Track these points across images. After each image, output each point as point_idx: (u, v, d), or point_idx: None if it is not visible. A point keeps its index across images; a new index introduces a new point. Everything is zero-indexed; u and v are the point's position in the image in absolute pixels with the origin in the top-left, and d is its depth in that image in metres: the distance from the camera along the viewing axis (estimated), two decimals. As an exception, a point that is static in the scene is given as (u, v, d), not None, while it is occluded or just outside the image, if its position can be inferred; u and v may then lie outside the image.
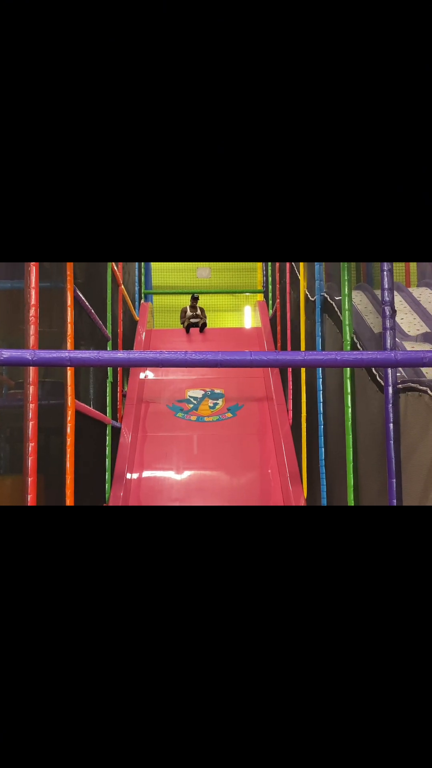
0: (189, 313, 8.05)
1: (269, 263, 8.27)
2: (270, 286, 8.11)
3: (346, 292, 3.58)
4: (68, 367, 3.45)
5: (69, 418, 3.43)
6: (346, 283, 3.57)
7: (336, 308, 3.97)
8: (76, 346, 3.86)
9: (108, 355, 1.93)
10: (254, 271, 9.94)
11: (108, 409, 5.21)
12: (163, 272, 10.26)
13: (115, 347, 5.58)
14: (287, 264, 6.27)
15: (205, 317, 8.09)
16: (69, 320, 3.48)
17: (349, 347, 3.52)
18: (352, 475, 3.39)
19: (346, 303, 3.58)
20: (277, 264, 7.26)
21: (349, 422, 3.45)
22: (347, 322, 3.55)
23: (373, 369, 3.08)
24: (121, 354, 1.94)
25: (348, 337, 3.52)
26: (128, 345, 6.92)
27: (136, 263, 8.06)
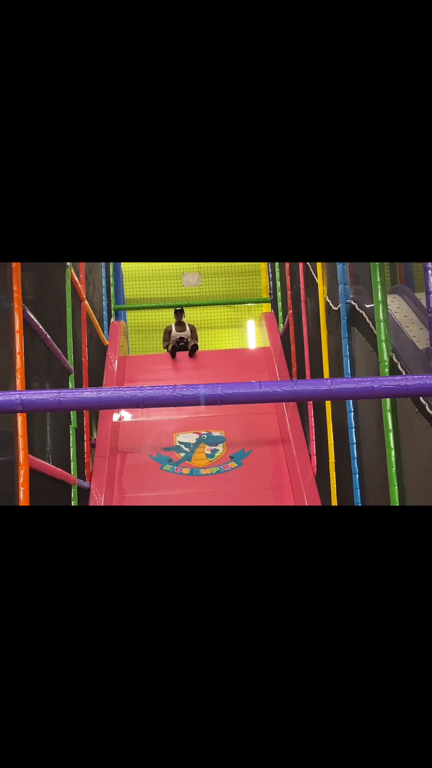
0: (174, 332, 8.11)
1: (276, 264, 8.37)
2: (279, 294, 8.20)
3: (380, 297, 3.62)
4: (19, 413, 3.45)
5: (21, 480, 3.41)
6: (379, 285, 3.62)
7: (367, 319, 4.00)
8: (28, 384, 3.86)
9: (73, 395, 1.93)
10: (257, 275, 10.05)
11: (72, 465, 5.19)
12: (138, 282, 10.37)
13: (79, 382, 5.60)
14: (300, 264, 6.35)
15: (196, 337, 8.15)
16: (18, 350, 3.50)
17: (387, 370, 3.54)
18: (400, 540, 3.37)
19: (381, 312, 3.61)
20: (287, 264, 7.35)
21: (393, 469, 3.45)
22: (383, 337, 3.57)
23: (421, 398, 3.09)
24: (89, 392, 1.94)
25: (385, 357, 3.55)
26: (96, 378, 6.94)
27: (103, 272, 8.15)
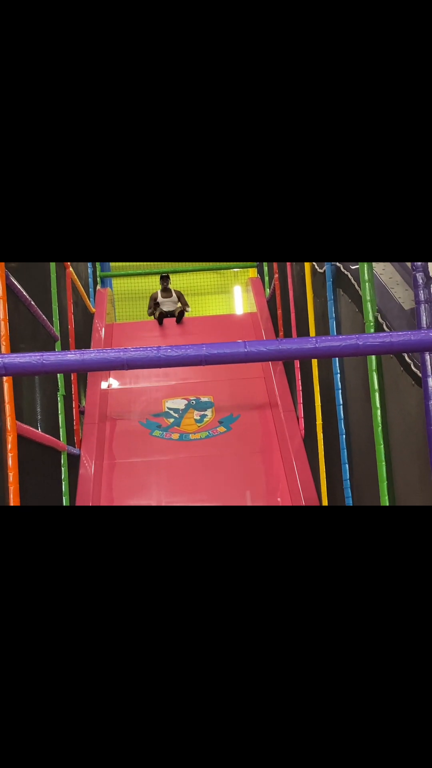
0: (160, 298, 8.05)
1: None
2: (265, 258, 8.13)
3: (365, 258, 3.60)
4: (4, 378, 3.42)
5: (10, 447, 3.40)
6: (364, 246, 3.58)
7: (353, 280, 3.98)
8: (14, 351, 3.83)
9: (56, 358, 1.90)
10: (243, 240, 9.94)
11: (62, 432, 5.18)
12: (123, 248, 10.24)
13: (65, 349, 5.56)
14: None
15: (185, 302, 8.10)
16: (2, 317, 3.46)
17: (373, 329, 3.52)
18: (386, 498, 3.39)
19: (366, 272, 3.59)
20: (273, 228, 7.27)
21: (379, 428, 3.46)
22: (368, 297, 3.56)
23: (406, 356, 3.08)
24: (72, 355, 1.92)
25: (371, 317, 3.53)
26: (83, 345, 6.90)
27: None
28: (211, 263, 10.15)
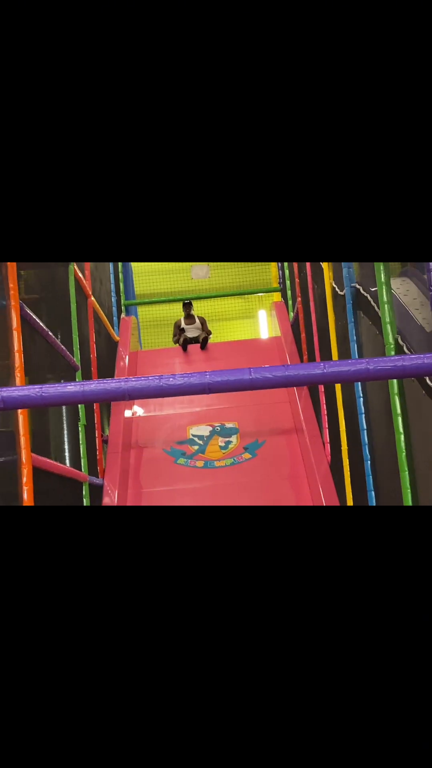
0: (184, 325, 8.02)
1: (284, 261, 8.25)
2: (288, 282, 8.08)
3: (383, 279, 3.51)
4: (20, 412, 3.39)
5: (24, 479, 3.36)
6: (382, 266, 3.50)
7: (372, 302, 3.89)
8: (33, 381, 3.80)
9: (55, 390, 1.85)
10: (266, 265, 9.92)
11: (83, 462, 5.14)
12: (147, 276, 10.29)
13: (87, 379, 5.54)
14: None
15: (207, 329, 8.05)
16: (16, 348, 3.44)
17: (393, 352, 3.43)
18: (413, 526, 3.27)
19: (384, 294, 3.50)
20: (295, 252, 7.23)
21: (403, 454, 3.34)
22: (387, 319, 3.47)
23: (428, 380, 2.98)
24: (72, 387, 1.86)
25: (390, 339, 3.44)
26: (107, 374, 6.88)
27: (111, 268, 8.09)
28: (235, 289, 10.14)
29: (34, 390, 1.82)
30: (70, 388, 1.85)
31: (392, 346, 3.43)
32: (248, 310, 10.76)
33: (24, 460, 3.38)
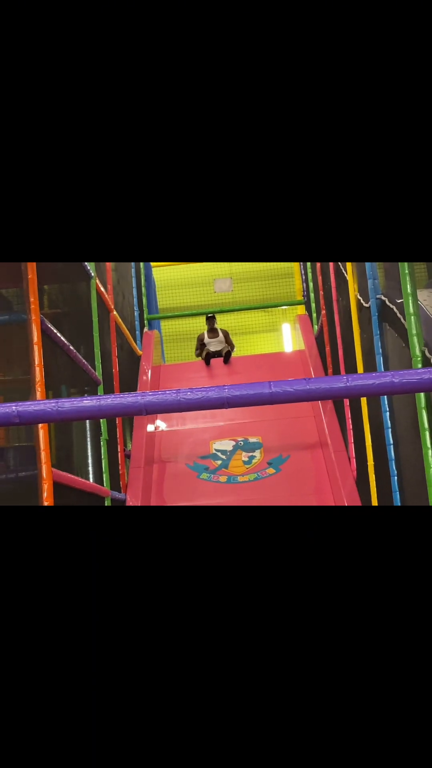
0: (207, 339, 7.99)
1: (308, 265, 8.20)
2: (312, 295, 8.01)
3: (409, 290, 3.44)
4: (39, 426, 3.37)
5: (45, 494, 3.33)
6: (408, 278, 3.44)
7: (398, 314, 3.82)
8: (55, 396, 3.78)
9: (71, 405, 1.82)
10: (290, 278, 9.88)
11: (105, 477, 5.11)
12: (170, 290, 10.30)
13: (108, 392, 5.52)
14: (330, 263, 6.18)
15: (231, 342, 8.01)
16: (37, 362, 3.42)
17: (420, 365, 3.35)
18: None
19: (411, 305, 3.43)
20: (318, 264, 7.17)
21: (430, 470, 3.25)
22: (414, 331, 3.39)
23: (455, 392, 2.90)
24: (89, 401, 1.83)
25: (417, 352, 3.36)
26: (129, 388, 6.86)
27: (134, 282, 8.09)
28: (258, 302, 10.10)
29: (50, 404, 1.78)
30: (86, 402, 1.81)
31: (419, 358, 3.35)
32: (272, 323, 10.71)
33: (45, 475, 3.35)
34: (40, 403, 1.80)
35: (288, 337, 10.60)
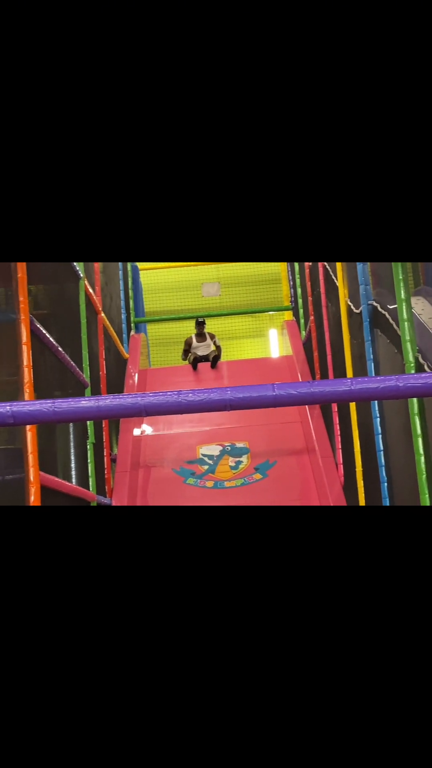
0: (195, 343, 7.94)
1: (296, 271, 8.20)
2: (300, 300, 8.01)
3: (403, 296, 3.43)
4: (28, 428, 3.31)
5: (32, 498, 3.27)
6: (402, 283, 3.42)
7: (391, 320, 3.80)
8: (42, 398, 3.72)
9: (68, 405, 1.77)
10: (278, 283, 9.88)
11: (91, 481, 5.04)
12: (158, 294, 10.25)
13: (96, 395, 5.45)
14: (320, 267, 6.17)
15: (219, 347, 7.98)
16: (26, 363, 3.36)
17: (414, 370, 3.33)
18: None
19: (404, 311, 3.41)
20: (307, 270, 7.17)
21: (423, 476, 3.23)
22: (408, 337, 3.37)
23: (450, 399, 2.88)
24: (87, 402, 1.78)
25: (411, 358, 3.34)
26: (116, 392, 6.80)
27: (121, 285, 8.04)
28: (246, 307, 10.08)
29: (46, 405, 1.74)
30: (84, 403, 1.77)
31: (412, 364, 3.33)
32: (259, 328, 10.69)
33: (32, 478, 3.29)
34: (35, 403, 1.75)
35: (275, 342, 10.59)
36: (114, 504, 5.78)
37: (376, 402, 4.17)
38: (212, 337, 8.03)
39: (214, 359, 7.74)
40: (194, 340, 7.96)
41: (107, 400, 1.76)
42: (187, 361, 7.91)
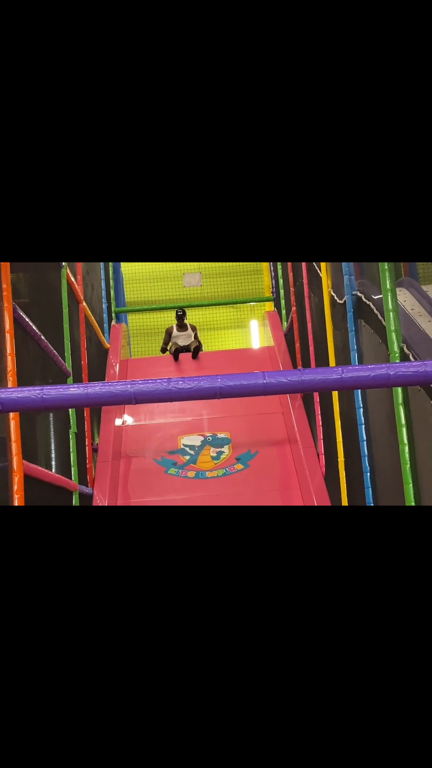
0: (176, 332, 7.92)
1: (278, 262, 8.20)
2: (282, 291, 8.01)
3: (389, 286, 3.44)
4: (10, 415, 3.27)
5: (16, 487, 3.23)
6: (387, 273, 3.43)
7: (375, 310, 3.81)
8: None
9: (57, 392, 1.75)
10: (259, 274, 9.87)
11: (73, 471, 5.01)
12: (139, 284, 10.20)
13: (78, 385, 5.42)
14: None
15: (199, 339, 7.96)
16: (8, 351, 3.32)
17: (398, 360, 3.34)
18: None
19: (390, 301, 3.42)
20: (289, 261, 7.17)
21: (407, 466, 3.25)
22: (393, 327, 3.39)
23: (435, 389, 2.90)
24: (75, 389, 1.76)
25: (396, 348, 3.36)
26: (97, 381, 6.75)
27: (102, 274, 7.98)
28: (227, 298, 10.06)
29: (35, 392, 1.71)
30: (73, 390, 1.75)
31: (397, 354, 3.34)
32: (240, 319, 10.69)
33: (15, 467, 3.26)
34: (23, 390, 1.73)
35: (256, 333, 10.59)
36: (96, 493, 5.75)
37: (359, 392, 4.19)
38: (194, 329, 8.01)
39: (195, 350, 7.72)
40: (175, 329, 7.94)
41: (96, 388, 1.74)
42: (168, 352, 7.88)
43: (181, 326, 7.94)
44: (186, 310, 8.14)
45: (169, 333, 7.99)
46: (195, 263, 10.28)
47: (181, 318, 7.89)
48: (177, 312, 7.95)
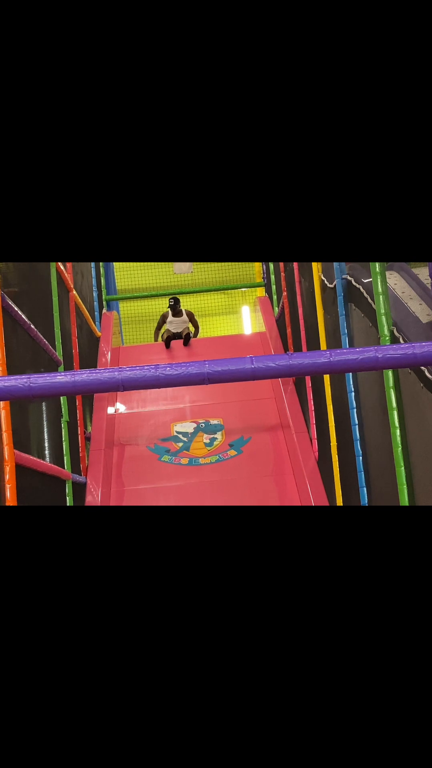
0: (170, 317, 7.89)
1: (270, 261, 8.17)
2: (273, 277, 7.99)
3: (378, 269, 3.43)
4: (2, 406, 3.26)
5: (8, 477, 3.23)
6: (377, 257, 3.42)
7: (365, 293, 3.81)
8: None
9: (44, 380, 1.74)
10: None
11: (66, 460, 5.01)
12: (130, 271, 10.15)
13: (69, 374, 5.40)
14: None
15: (196, 323, 7.95)
16: (-2, 340, 3.30)
17: (389, 343, 3.34)
18: (409, 523, 3.19)
19: (379, 284, 3.42)
20: (280, 245, 7.14)
21: (399, 449, 3.26)
22: (383, 310, 3.38)
23: (426, 371, 2.90)
24: (63, 377, 1.75)
25: (386, 331, 3.35)
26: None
27: (92, 262, 7.95)
28: (218, 284, 10.04)
29: (22, 380, 1.70)
30: (60, 378, 1.74)
31: (387, 338, 3.34)
32: (231, 305, 10.67)
33: (6, 456, 3.25)
34: (11, 379, 1.72)
35: (247, 319, 10.58)
36: (89, 482, 5.75)
37: (350, 375, 4.19)
38: (190, 314, 7.98)
39: (186, 337, 7.70)
40: (170, 314, 7.91)
41: (83, 375, 1.73)
42: (160, 339, 7.87)
43: (176, 312, 7.92)
44: (179, 297, 8.12)
45: (163, 318, 7.97)
46: (185, 250, 10.23)
47: (174, 307, 7.87)
48: (170, 302, 7.92)
